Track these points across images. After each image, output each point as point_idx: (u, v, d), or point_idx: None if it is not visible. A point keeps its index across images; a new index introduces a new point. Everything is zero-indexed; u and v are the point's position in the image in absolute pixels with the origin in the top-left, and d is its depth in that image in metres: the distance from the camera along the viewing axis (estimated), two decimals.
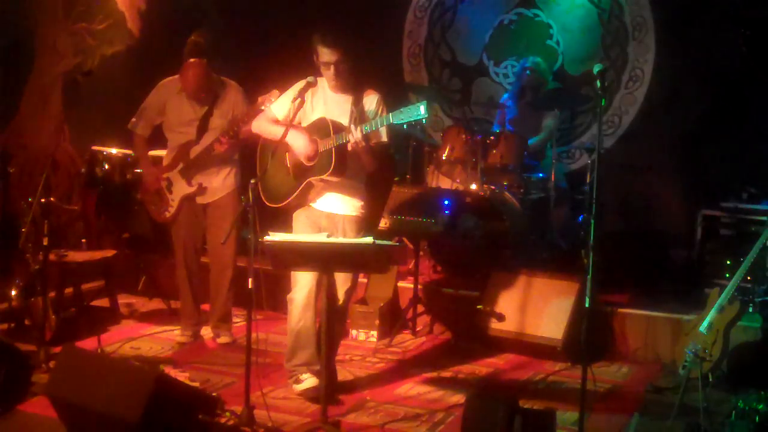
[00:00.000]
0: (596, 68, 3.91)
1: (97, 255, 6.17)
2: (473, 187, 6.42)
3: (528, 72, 6.94)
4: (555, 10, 7.40)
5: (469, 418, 3.88)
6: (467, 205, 6.37)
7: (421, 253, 6.28)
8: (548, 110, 6.86)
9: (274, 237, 4.15)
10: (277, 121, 4.73)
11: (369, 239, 4.12)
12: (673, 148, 6.93)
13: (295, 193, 4.64)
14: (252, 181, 4.22)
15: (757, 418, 4.26)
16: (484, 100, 7.51)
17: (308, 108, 4.67)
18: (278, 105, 4.77)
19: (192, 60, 5.55)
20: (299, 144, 4.58)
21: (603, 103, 3.93)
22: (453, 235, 6.34)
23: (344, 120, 4.60)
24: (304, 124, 4.69)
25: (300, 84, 4.61)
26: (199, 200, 5.60)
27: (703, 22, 6.78)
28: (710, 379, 4.67)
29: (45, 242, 5.01)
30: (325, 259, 4.18)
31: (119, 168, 6.69)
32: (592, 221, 3.87)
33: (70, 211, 6.64)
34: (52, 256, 5.30)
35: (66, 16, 6.83)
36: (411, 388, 4.97)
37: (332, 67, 4.56)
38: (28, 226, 5.29)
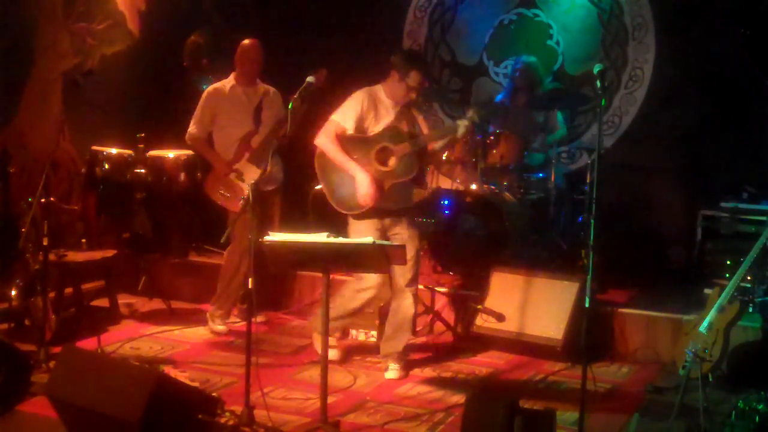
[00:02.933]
0: (596, 68, 3.91)
1: (97, 255, 6.18)
2: (473, 187, 6.42)
3: (521, 72, 6.92)
4: (555, 10, 7.40)
5: (469, 418, 3.87)
6: (467, 205, 6.37)
7: (422, 253, 6.27)
8: (548, 110, 6.85)
9: (274, 237, 4.15)
10: (343, 144, 4.95)
11: (369, 239, 4.12)
12: (673, 148, 6.93)
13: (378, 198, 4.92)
14: (252, 181, 4.24)
15: (757, 418, 4.26)
16: (484, 100, 7.51)
17: (371, 117, 5.00)
18: (347, 118, 4.98)
19: (246, 42, 5.87)
20: (364, 186, 4.87)
21: (603, 103, 3.94)
22: (453, 235, 6.34)
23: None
24: (374, 128, 4.98)
25: (362, 95, 4.94)
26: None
27: (703, 22, 6.78)
28: (710, 379, 4.67)
29: (45, 242, 5.01)
30: (324, 259, 4.18)
31: (119, 168, 6.69)
32: (592, 221, 3.87)
33: (70, 211, 6.64)
34: (52, 256, 5.29)
35: (66, 16, 6.83)
36: (411, 388, 4.96)
37: (415, 92, 5.00)
38: (28, 226, 5.29)
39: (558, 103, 6.89)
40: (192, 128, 5.87)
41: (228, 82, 5.90)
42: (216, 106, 5.86)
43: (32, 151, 6.54)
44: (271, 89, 5.96)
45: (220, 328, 5.81)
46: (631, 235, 6.72)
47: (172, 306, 6.38)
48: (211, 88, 5.94)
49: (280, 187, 5.99)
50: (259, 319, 5.90)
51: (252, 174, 5.67)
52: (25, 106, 6.63)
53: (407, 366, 5.15)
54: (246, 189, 5.60)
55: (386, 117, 5.01)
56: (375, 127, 4.99)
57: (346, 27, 7.77)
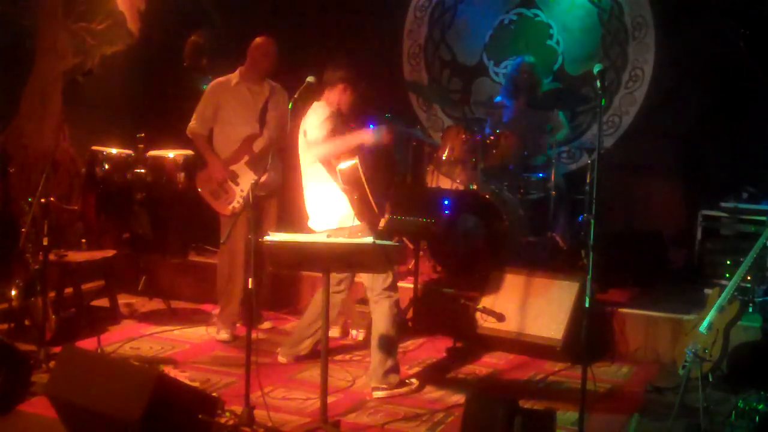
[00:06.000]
0: (596, 68, 3.91)
1: (97, 255, 6.18)
2: (473, 187, 6.42)
3: (522, 73, 6.91)
4: (555, 10, 7.40)
5: (469, 418, 3.88)
6: (467, 205, 6.37)
7: (421, 253, 6.28)
8: (548, 110, 6.85)
9: (274, 237, 4.15)
10: None
11: (369, 239, 4.12)
12: (673, 148, 6.93)
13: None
14: (252, 181, 4.25)
15: (757, 418, 4.26)
16: (484, 100, 7.51)
17: None
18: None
19: (259, 39, 5.72)
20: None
21: (603, 103, 3.93)
22: (453, 235, 6.34)
23: None
24: None
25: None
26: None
27: (703, 22, 6.78)
28: (710, 379, 4.67)
29: (45, 242, 5.02)
30: (324, 259, 4.18)
31: (119, 168, 6.69)
32: (592, 221, 3.87)
33: (70, 211, 6.64)
34: (52, 256, 5.30)
35: (66, 16, 6.83)
36: None
37: None
38: (28, 226, 5.29)
39: (558, 103, 6.89)
40: (193, 122, 5.73)
41: (233, 77, 5.74)
42: (219, 101, 5.71)
43: (32, 151, 6.55)
44: (277, 86, 5.82)
45: (225, 336, 5.73)
46: (631, 235, 6.72)
47: (172, 306, 6.38)
48: (215, 81, 5.79)
49: (275, 191, 5.83)
50: (266, 326, 5.95)
51: (248, 179, 5.56)
52: (25, 106, 6.63)
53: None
54: (238, 193, 5.62)
55: None
56: None
57: (346, 27, 7.77)
